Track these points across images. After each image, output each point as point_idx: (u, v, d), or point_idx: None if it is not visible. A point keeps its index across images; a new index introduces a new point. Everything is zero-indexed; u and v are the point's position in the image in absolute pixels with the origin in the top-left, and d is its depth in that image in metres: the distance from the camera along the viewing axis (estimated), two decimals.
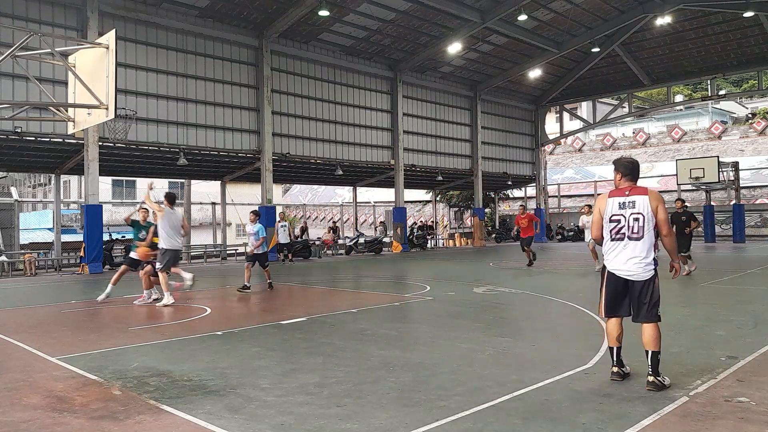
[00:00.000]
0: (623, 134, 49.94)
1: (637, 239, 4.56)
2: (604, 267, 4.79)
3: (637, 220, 4.56)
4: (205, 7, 19.48)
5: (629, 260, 4.57)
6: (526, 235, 16.49)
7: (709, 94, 32.01)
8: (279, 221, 21.40)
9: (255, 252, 11.51)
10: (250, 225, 11.65)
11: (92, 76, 10.10)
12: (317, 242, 25.55)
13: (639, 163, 4.90)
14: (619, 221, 4.63)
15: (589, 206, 13.55)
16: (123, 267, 10.53)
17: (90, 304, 10.17)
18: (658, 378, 4.44)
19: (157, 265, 9.66)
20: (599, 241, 4.87)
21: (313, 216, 49.45)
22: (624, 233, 4.61)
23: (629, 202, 4.62)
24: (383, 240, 26.80)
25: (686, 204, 13.91)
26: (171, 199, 9.93)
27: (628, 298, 4.65)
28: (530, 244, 16.64)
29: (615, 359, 4.71)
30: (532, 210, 34.03)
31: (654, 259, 4.60)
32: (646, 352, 4.51)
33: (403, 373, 5.08)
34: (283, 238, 20.77)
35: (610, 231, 4.68)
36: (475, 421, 3.85)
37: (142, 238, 10.25)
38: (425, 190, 38.93)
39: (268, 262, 11.98)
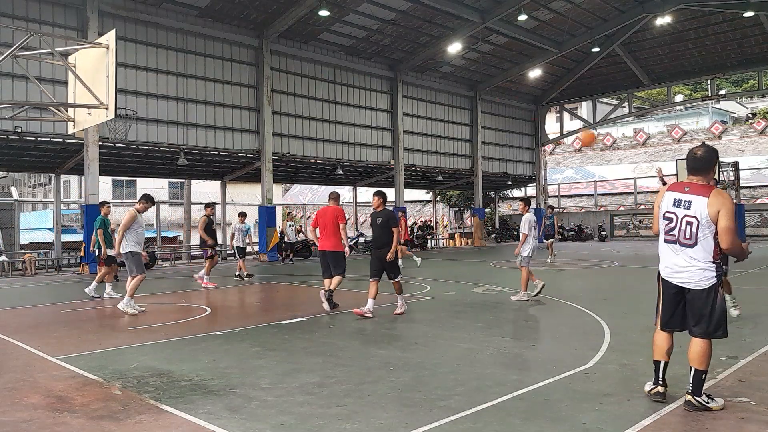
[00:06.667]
0: (623, 134, 49.89)
1: (689, 246, 3.96)
2: (658, 274, 4.20)
3: (690, 224, 3.94)
4: (205, 7, 19.47)
5: (683, 266, 4.00)
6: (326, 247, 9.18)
7: (709, 94, 32.01)
8: (287, 221, 22.61)
9: None
10: None
11: (92, 76, 10.10)
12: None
13: (712, 153, 4.08)
14: (671, 220, 4.03)
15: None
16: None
17: (90, 303, 10.16)
18: (697, 398, 3.95)
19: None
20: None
21: (313, 216, 49.45)
22: (675, 236, 4.02)
23: (685, 201, 3.97)
24: None
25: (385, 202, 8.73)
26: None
27: (683, 309, 4.06)
28: (340, 263, 9.10)
29: (659, 376, 4.16)
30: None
31: (715, 263, 3.96)
32: (690, 368, 4.05)
33: (403, 373, 5.08)
34: (291, 237, 21.48)
35: (663, 230, 4.11)
36: (475, 421, 3.85)
37: None
38: (425, 190, 38.92)
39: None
